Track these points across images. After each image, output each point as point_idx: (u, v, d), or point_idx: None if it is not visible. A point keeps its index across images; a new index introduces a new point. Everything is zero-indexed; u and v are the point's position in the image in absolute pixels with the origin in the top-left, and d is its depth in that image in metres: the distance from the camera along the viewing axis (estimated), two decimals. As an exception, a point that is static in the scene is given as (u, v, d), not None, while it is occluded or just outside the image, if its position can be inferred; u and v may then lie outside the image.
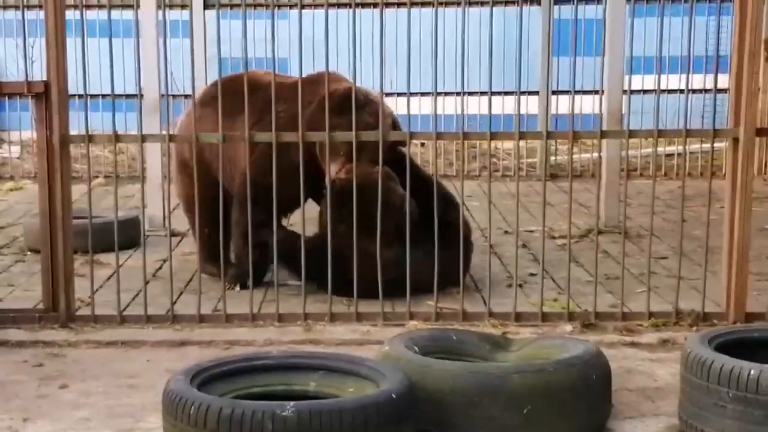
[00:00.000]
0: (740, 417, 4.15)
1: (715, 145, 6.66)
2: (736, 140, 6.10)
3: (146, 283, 6.34)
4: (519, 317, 6.19)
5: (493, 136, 6.21)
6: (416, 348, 4.68)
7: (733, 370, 4.17)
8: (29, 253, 8.17)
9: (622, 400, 4.93)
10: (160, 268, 7.42)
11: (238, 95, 6.21)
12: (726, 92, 6.46)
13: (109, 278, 6.93)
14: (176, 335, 5.98)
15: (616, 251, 7.25)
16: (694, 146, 12.62)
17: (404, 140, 6.44)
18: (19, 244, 8.60)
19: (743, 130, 6.05)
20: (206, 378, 4.22)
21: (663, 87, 7.42)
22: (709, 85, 10.71)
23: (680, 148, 11.28)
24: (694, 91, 12.05)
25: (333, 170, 6.57)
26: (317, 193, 6.69)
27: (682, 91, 11.61)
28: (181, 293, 6.79)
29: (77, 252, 6.57)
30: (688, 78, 6.49)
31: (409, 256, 6.15)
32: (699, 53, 11.51)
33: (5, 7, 13.10)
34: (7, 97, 13.44)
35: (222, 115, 6.11)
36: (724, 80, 6.77)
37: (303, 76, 6.36)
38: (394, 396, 3.99)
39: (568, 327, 6.09)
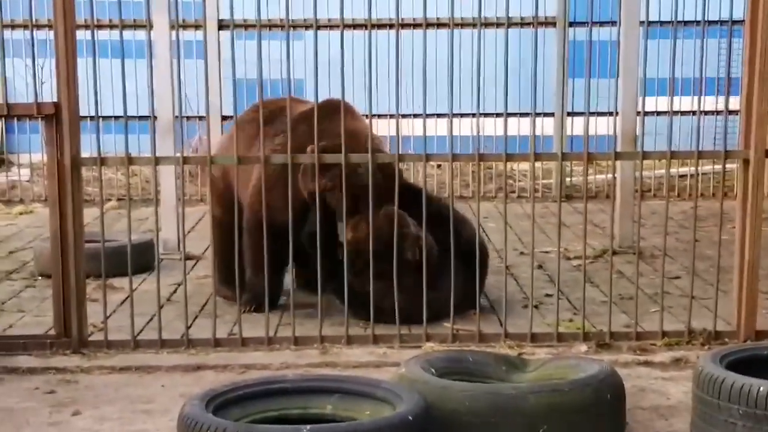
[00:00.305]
0: (749, 433, 4.19)
1: (727, 166, 6.65)
2: (746, 161, 6.11)
3: (160, 307, 6.24)
4: (534, 338, 6.18)
5: (509, 157, 6.24)
6: (433, 370, 4.68)
7: (743, 387, 4.22)
8: (40, 278, 8.05)
9: (636, 419, 4.95)
10: (174, 291, 7.32)
11: (266, 122, 6.28)
12: (737, 114, 6.45)
13: (122, 303, 6.91)
14: (191, 359, 5.92)
15: (630, 271, 7.24)
16: (707, 167, 12.61)
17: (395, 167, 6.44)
18: (29, 269, 8.45)
19: (753, 151, 6.07)
20: (222, 402, 4.20)
21: (675, 108, 7.42)
22: (721, 107, 10.71)
23: (693, 169, 11.27)
24: (706, 113, 12.05)
25: (345, 225, 6.53)
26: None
27: (694, 112, 11.73)
28: (195, 317, 6.71)
29: (90, 276, 6.54)
30: (700, 100, 6.50)
31: (434, 288, 6.24)
32: (711, 75, 11.56)
33: (14, 27, 12.96)
34: (16, 119, 13.36)
35: (242, 139, 6.15)
36: (735, 102, 6.77)
37: (317, 103, 6.36)
38: (410, 418, 3.99)
39: (583, 347, 6.09)
